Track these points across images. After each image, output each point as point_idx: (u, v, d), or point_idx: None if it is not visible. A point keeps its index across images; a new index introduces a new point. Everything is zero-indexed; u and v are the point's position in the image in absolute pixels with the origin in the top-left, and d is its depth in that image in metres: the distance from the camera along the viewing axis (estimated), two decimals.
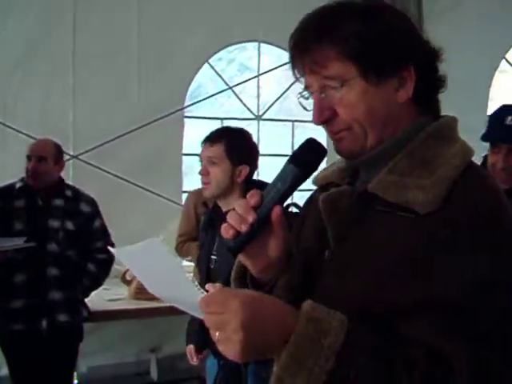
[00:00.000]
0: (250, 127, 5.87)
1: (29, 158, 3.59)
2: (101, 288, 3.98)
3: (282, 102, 5.92)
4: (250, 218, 1.15)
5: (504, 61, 5.47)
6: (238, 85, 5.73)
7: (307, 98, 1.24)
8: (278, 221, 1.18)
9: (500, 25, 5.21)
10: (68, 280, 3.57)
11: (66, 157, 4.77)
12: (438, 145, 1.19)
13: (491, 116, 2.66)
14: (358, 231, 1.19)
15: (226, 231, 1.17)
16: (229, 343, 0.99)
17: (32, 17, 4.89)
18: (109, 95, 5.11)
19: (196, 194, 4.02)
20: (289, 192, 1.19)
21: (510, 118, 2.52)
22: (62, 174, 3.83)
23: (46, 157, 3.62)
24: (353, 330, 1.02)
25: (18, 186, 3.63)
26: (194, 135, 5.62)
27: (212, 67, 5.66)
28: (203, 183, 2.80)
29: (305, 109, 1.25)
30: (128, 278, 4.38)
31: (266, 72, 5.77)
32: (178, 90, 5.45)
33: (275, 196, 1.18)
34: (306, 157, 1.19)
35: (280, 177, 1.19)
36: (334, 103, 1.19)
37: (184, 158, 5.54)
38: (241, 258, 1.24)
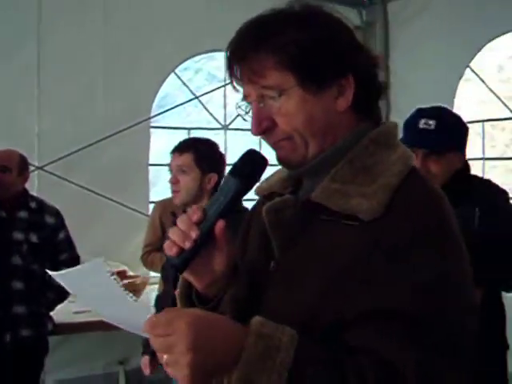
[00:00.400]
0: (217, 137, 5.88)
1: None
2: (66, 300, 3.94)
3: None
4: (193, 233, 1.13)
5: (468, 69, 5.55)
6: (204, 94, 5.73)
7: (246, 110, 1.23)
8: (222, 235, 1.17)
9: (465, 33, 5.29)
10: (32, 294, 3.53)
11: (31, 168, 4.72)
12: (379, 151, 1.19)
13: (406, 120, 2.59)
14: (303, 241, 1.18)
15: (169, 248, 1.14)
16: (177, 366, 0.96)
17: None
18: (74, 105, 5.07)
19: (162, 204, 4.01)
20: (231, 205, 1.17)
21: (422, 121, 2.46)
22: (27, 185, 3.79)
23: (11, 167, 3.58)
24: (303, 345, 1.01)
25: None
26: (160, 145, 5.62)
27: (178, 77, 5.65)
28: (173, 191, 2.88)
29: (244, 119, 1.24)
30: None
31: None
32: (144, 99, 5.42)
33: (218, 209, 1.16)
34: (246, 168, 1.18)
35: (222, 190, 1.18)
36: (272, 113, 1.18)
37: (151, 168, 5.52)
38: (185, 274, 1.21)
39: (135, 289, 4.30)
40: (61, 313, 3.80)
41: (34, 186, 4.80)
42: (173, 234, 1.14)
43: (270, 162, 1.21)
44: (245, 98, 1.23)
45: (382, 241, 1.08)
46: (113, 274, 1.13)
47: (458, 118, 2.63)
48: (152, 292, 4.23)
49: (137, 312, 1.05)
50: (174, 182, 2.87)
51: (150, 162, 5.51)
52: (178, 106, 5.52)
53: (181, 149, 2.88)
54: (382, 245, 1.08)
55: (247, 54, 1.17)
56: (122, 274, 4.40)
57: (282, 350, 0.99)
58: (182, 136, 5.60)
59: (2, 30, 4.84)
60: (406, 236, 1.08)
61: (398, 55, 6.10)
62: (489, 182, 2.72)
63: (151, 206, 4.97)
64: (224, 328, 1.02)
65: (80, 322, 3.84)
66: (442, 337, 1.05)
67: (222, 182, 1.20)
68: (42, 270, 3.57)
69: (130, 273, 4.52)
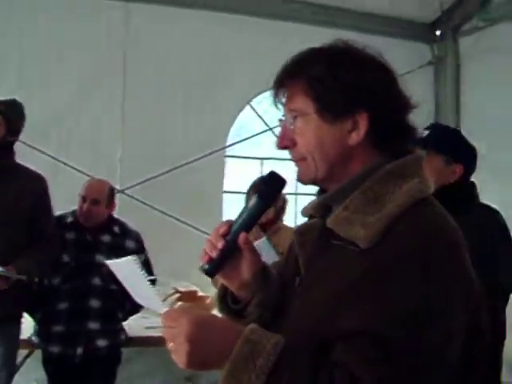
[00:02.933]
0: (289, 168, 6.02)
1: (83, 198, 3.73)
2: (140, 316, 4.09)
3: None
4: (220, 244, 1.35)
5: None
6: (278, 126, 5.83)
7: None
8: (245, 246, 1.37)
9: None
10: (109, 310, 3.72)
11: None
12: (393, 182, 1.27)
13: None
14: (320, 262, 1.32)
15: (202, 256, 1.37)
16: (177, 353, 1.15)
17: (85, 58, 5.16)
18: (155, 133, 5.33)
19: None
20: (253, 219, 1.38)
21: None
22: None
23: (100, 200, 3.76)
24: (286, 352, 1.13)
25: (69, 220, 3.78)
26: (234, 174, 5.81)
27: (253, 109, 5.83)
28: None
29: None
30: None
31: None
32: (220, 129, 5.64)
33: (241, 224, 1.37)
34: (265, 189, 1.38)
35: (245, 207, 1.38)
36: (294, 133, 1.34)
37: (225, 195, 5.71)
38: (220, 279, 1.43)
39: (204, 308, 4.43)
40: (134, 327, 3.99)
41: (116, 208, 5.08)
42: (205, 245, 1.37)
43: None
44: (283, 116, 1.40)
45: (373, 267, 1.17)
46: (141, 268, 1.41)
47: (460, 136, 2.78)
48: None
49: (159, 305, 1.28)
50: None
51: (225, 190, 5.71)
52: (252, 136, 5.68)
53: None
54: (372, 271, 1.17)
55: (283, 82, 1.36)
56: (192, 294, 4.57)
57: (263, 356, 1.12)
58: (256, 165, 5.81)
59: (90, 60, 5.17)
60: (391, 262, 1.16)
61: (469, 89, 6.18)
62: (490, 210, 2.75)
63: None
64: (222, 329, 1.18)
65: (151, 336, 4.00)
66: (411, 361, 1.11)
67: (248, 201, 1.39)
68: (119, 290, 3.77)
69: (201, 293, 4.69)
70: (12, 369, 3.57)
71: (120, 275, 1.43)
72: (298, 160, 1.35)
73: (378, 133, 1.31)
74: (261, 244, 3.65)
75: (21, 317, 3.59)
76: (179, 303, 4.45)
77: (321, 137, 1.30)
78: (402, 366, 1.11)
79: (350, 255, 1.23)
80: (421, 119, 5.36)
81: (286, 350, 1.14)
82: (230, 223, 1.38)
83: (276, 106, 1.40)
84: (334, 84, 1.29)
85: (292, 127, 1.34)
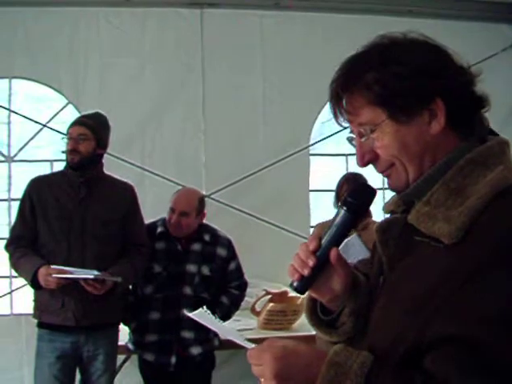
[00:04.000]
0: None
1: (172, 210, 3.78)
2: (232, 319, 4.12)
3: None
4: (311, 262, 1.30)
5: None
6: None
7: (351, 140, 1.34)
8: (337, 261, 1.32)
9: None
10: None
11: None
12: (476, 172, 1.20)
13: None
14: (404, 260, 1.26)
15: (291, 274, 1.32)
16: None
17: (164, 66, 5.27)
18: (237, 137, 5.36)
19: (322, 225, 4.13)
20: (343, 234, 1.32)
21: None
22: None
23: (188, 212, 3.78)
24: (374, 372, 1.10)
25: (159, 230, 3.83)
26: (320, 172, 5.76)
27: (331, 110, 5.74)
28: None
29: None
30: (257, 309, 4.54)
31: None
32: (303, 128, 5.59)
33: (331, 239, 1.31)
34: (355, 203, 1.30)
35: (334, 220, 1.32)
36: (373, 146, 1.27)
37: (311, 194, 5.66)
38: (309, 291, 1.38)
39: (295, 309, 4.42)
40: None
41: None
42: (294, 261, 1.32)
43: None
44: (351, 132, 1.33)
45: (460, 265, 1.11)
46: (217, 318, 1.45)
47: None
48: None
49: (238, 337, 1.30)
50: None
51: (311, 188, 5.66)
52: (335, 133, 5.63)
53: None
54: (460, 269, 1.10)
55: (341, 96, 1.28)
56: (283, 295, 4.56)
57: (350, 377, 1.09)
58: (341, 162, 5.74)
59: (169, 69, 5.27)
60: (480, 261, 1.08)
61: None
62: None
63: (311, 231, 5.12)
64: (306, 358, 1.16)
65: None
66: (508, 367, 1.03)
67: (335, 213, 1.33)
68: (210, 297, 3.82)
69: (291, 294, 4.66)
70: (112, 373, 3.72)
71: (204, 322, 1.45)
72: (386, 169, 1.29)
73: (455, 113, 1.24)
74: (351, 241, 3.60)
75: (119, 324, 3.73)
76: (271, 304, 4.45)
77: (402, 140, 1.24)
78: (502, 376, 1.03)
79: (433, 252, 1.17)
80: (506, 105, 5.23)
81: (373, 369, 1.10)
82: (318, 238, 1.33)
83: (338, 123, 1.33)
84: (396, 82, 1.22)
85: (367, 140, 1.27)
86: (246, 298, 4.26)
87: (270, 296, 4.58)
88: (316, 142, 5.71)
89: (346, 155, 5.78)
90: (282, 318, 4.44)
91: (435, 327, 1.09)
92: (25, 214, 3.51)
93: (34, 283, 3.34)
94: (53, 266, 3.30)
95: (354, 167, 5.72)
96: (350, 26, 5.31)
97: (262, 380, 1.17)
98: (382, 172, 1.30)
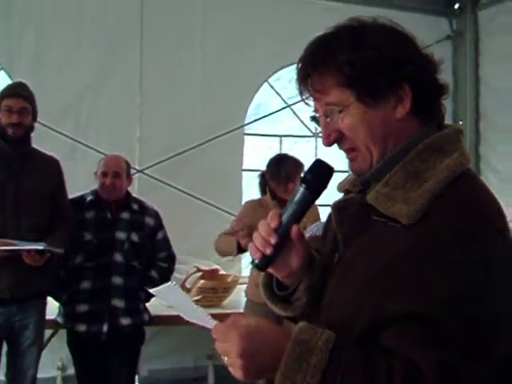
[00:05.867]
0: (308, 144, 6.01)
1: (104, 174, 3.79)
2: None
3: None
4: (272, 240, 1.29)
5: None
6: (296, 103, 5.85)
7: (315, 121, 1.34)
8: (298, 238, 1.32)
9: None
10: (131, 288, 3.74)
11: (133, 171, 5.03)
12: (432, 157, 1.24)
13: None
14: (360, 238, 1.29)
15: (253, 252, 1.32)
16: (233, 367, 1.14)
17: (103, 41, 5.20)
18: (173, 113, 5.35)
19: (252, 203, 4.18)
20: (303, 211, 1.32)
21: None
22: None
23: (120, 173, 3.82)
24: (338, 348, 1.11)
25: (88, 198, 3.84)
26: (253, 152, 5.81)
27: (271, 86, 5.81)
28: None
29: (316, 129, 1.36)
30: (188, 285, 4.57)
31: None
32: (239, 108, 5.63)
33: (292, 216, 1.31)
34: (314, 180, 1.31)
35: (293, 197, 1.32)
36: (339, 126, 1.28)
37: (244, 173, 5.72)
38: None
39: (226, 286, 4.48)
40: (155, 306, 4.00)
41: (135, 188, 5.07)
42: (255, 239, 1.32)
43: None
44: (315, 111, 1.33)
45: (417, 245, 1.14)
46: (181, 288, 1.36)
47: None
48: (241, 291, 4.40)
49: (202, 315, 1.26)
50: None
51: (244, 168, 5.72)
52: (270, 114, 5.67)
53: None
54: (417, 249, 1.14)
55: (310, 74, 1.28)
56: (214, 273, 4.61)
57: (315, 354, 1.10)
58: (274, 143, 5.81)
59: (107, 42, 5.20)
60: (437, 244, 1.13)
61: (487, 64, 6.10)
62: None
63: None
64: (272, 336, 1.15)
65: (173, 315, 3.98)
66: (468, 343, 1.08)
67: (294, 190, 1.34)
68: (141, 267, 3.85)
69: (222, 272, 4.72)
70: (40, 345, 3.71)
71: (167, 300, 1.42)
72: (350, 151, 1.30)
73: (420, 100, 1.27)
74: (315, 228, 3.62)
75: (47, 295, 3.72)
76: (201, 281, 4.49)
77: (368, 123, 1.25)
78: (457, 348, 1.08)
79: (391, 232, 1.20)
80: None
81: (337, 345, 1.12)
82: (279, 215, 1.32)
83: (304, 101, 1.33)
84: (368, 65, 1.23)
85: (333, 120, 1.28)
86: (176, 275, 4.28)
87: (200, 273, 4.61)
88: (251, 122, 5.76)
89: (280, 136, 5.83)
90: (212, 295, 4.48)
91: (392, 305, 1.13)
92: None
93: None
94: None
95: (286, 148, 5.81)
96: (288, 7, 5.36)
97: (226, 358, 1.15)
98: (346, 152, 1.31)
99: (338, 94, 1.26)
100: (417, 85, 1.26)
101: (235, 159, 5.69)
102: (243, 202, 5.48)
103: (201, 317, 1.26)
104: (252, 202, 4.18)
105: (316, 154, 5.61)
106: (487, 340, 1.11)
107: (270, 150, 5.74)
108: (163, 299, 1.42)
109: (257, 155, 5.73)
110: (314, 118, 1.34)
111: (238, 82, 5.45)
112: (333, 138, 1.30)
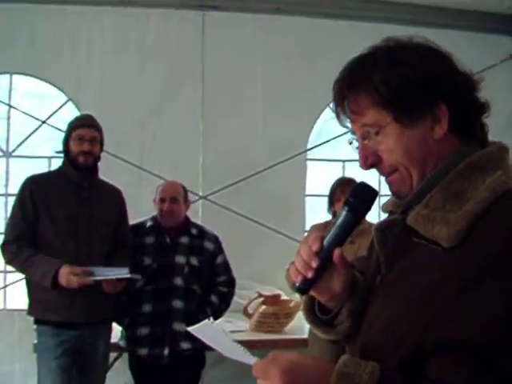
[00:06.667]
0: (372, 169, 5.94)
1: (162, 200, 3.90)
2: (224, 320, 4.15)
3: None
4: (314, 264, 1.27)
5: None
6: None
7: (352, 143, 1.32)
8: (341, 262, 1.29)
9: None
10: (192, 311, 3.77)
11: (196, 197, 5.10)
12: (474, 176, 1.20)
13: None
14: (402, 260, 1.25)
15: (294, 275, 1.30)
16: None
17: (165, 68, 5.29)
18: (236, 140, 5.38)
19: (317, 227, 4.15)
20: (346, 235, 1.30)
21: None
22: (193, 213, 4.09)
23: (178, 198, 3.92)
24: (383, 381, 1.08)
25: (148, 224, 3.94)
26: (316, 177, 5.79)
27: (333, 110, 5.75)
28: None
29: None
30: (250, 311, 4.56)
31: None
32: (301, 133, 5.63)
33: (334, 239, 1.29)
34: (358, 203, 1.29)
35: (337, 221, 1.30)
36: (376, 149, 1.26)
37: (307, 198, 5.69)
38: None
39: (288, 312, 4.44)
40: None
41: (199, 214, 5.18)
42: (297, 262, 1.30)
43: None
44: (353, 134, 1.31)
45: (458, 269, 1.10)
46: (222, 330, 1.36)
47: None
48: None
49: (241, 352, 1.24)
50: None
51: (307, 193, 5.70)
52: (333, 138, 5.64)
53: None
54: (458, 273, 1.10)
55: (346, 95, 1.27)
56: (276, 298, 4.58)
57: None
58: (337, 168, 5.77)
59: (169, 70, 5.29)
60: (479, 266, 1.08)
61: None
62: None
63: (306, 235, 5.14)
64: (315, 370, 1.13)
65: (235, 340, 4.03)
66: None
67: (338, 214, 1.32)
68: (201, 291, 3.89)
69: (284, 297, 4.69)
70: (106, 367, 3.83)
71: (204, 338, 1.42)
72: (389, 174, 1.28)
73: (457, 119, 1.24)
74: None
75: (113, 320, 3.82)
76: (263, 307, 4.47)
77: (406, 144, 1.23)
78: (505, 378, 1.03)
79: (432, 255, 1.17)
80: (506, 114, 5.24)
81: (383, 378, 1.09)
82: (321, 238, 1.30)
83: (341, 123, 1.33)
84: (403, 84, 1.21)
85: (371, 143, 1.27)
86: (238, 300, 4.29)
87: (262, 298, 4.60)
88: (313, 147, 5.74)
89: (343, 161, 5.80)
90: (274, 320, 4.45)
91: (436, 332, 1.09)
92: (27, 213, 3.52)
93: (52, 283, 3.36)
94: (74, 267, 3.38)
95: (350, 173, 5.76)
96: (349, 32, 5.35)
97: None
98: (385, 175, 1.29)
99: (374, 114, 1.25)
100: (454, 103, 1.23)
101: (298, 184, 5.67)
102: (306, 228, 5.49)
103: (240, 354, 1.25)
104: (319, 225, 4.16)
105: (380, 179, 5.53)
106: None
107: (333, 175, 5.70)
108: (201, 338, 1.41)
109: (320, 180, 5.71)
110: (351, 142, 1.33)
111: (300, 107, 5.45)
112: (370, 160, 1.28)
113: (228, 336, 1.33)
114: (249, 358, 1.21)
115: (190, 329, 1.40)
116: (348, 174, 5.59)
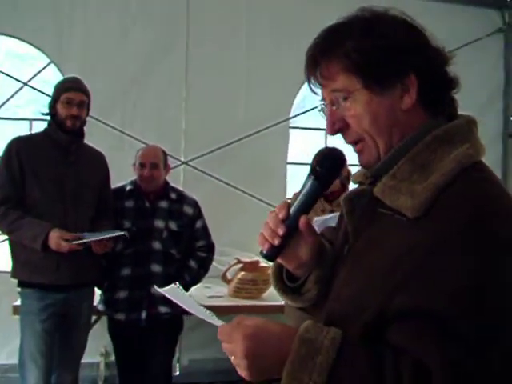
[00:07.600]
0: None
1: (142, 165, 3.89)
2: (202, 286, 4.18)
3: None
4: (281, 231, 1.30)
5: None
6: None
7: (323, 110, 1.33)
8: (307, 229, 1.32)
9: None
10: (170, 276, 3.78)
11: (178, 162, 5.10)
12: (440, 148, 1.21)
13: None
14: (368, 231, 1.27)
15: (261, 243, 1.33)
16: (239, 367, 1.15)
17: (149, 33, 5.26)
18: (218, 106, 5.37)
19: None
20: (312, 202, 1.33)
21: None
22: (174, 178, 4.08)
23: (158, 163, 3.91)
24: (344, 346, 1.10)
25: (128, 188, 3.94)
26: (298, 145, 5.80)
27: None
28: None
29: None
30: (228, 277, 4.61)
31: None
32: (284, 101, 5.62)
33: (300, 207, 1.32)
34: (322, 170, 1.31)
35: (303, 188, 1.32)
36: (344, 115, 1.26)
37: (288, 166, 5.72)
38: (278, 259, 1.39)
39: (266, 278, 4.48)
40: (196, 296, 4.03)
41: (180, 179, 5.20)
42: (264, 230, 1.33)
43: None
44: (322, 100, 1.32)
45: (423, 239, 1.12)
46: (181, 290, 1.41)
47: None
48: None
49: (208, 316, 1.28)
50: None
51: (289, 161, 5.72)
52: (316, 107, 5.63)
53: None
54: (422, 243, 1.11)
55: (318, 62, 1.28)
56: (255, 265, 4.61)
57: (322, 353, 1.09)
58: (319, 137, 5.78)
59: (155, 35, 5.27)
60: (444, 236, 1.10)
61: None
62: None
63: None
64: (277, 335, 1.15)
65: (214, 306, 4.02)
66: (480, 339, 1.05)
67: (304, 182, 1.33)
68: (179, 256, 3.92)
69: (263, 264, 4.72)
70: (88, 330, 3.88)
71: (177, 300, 1.45)
72: (355, 142, 1.28)
73: (426, 91, 1.25)
74: (333, 218, 3.63)
75: (96, 282, 3.86)
76: (242, 273, 4.51)
77: (374, 111, 1.24)
78: (465, 345, 1.05)
79: (398, 225, 1.18)
80: (491, 88, 5.28)
81: (344, 344, 1.11)
82: (287, 206, 1.32)
83: (312, 89, 1.33)
84: (375, 52, 1.22)
85: (339, 108, 1.27)
86: (217, 266, 4.31)
87: (241, 265, 4.64)
88: (296, 115, 5.74)
89: (325, 130, 5.77)
90: (252, 286, 4.50)
91: (400, 299, 1.11)
92: (13, 174, 3.49)
93: (42, 246, 3.37)
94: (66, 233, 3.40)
95: (332, 142, 5.78)
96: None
97: (233, 358, 1.16)
98: (350, 143, 1.29)
99: (344, 80, 1.25)
100: (424, 75, 1.24)
101: (280, 152, 5.68)
102: (287, 195, 5.52)
103: (208, 317, 1.27)
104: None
105: None
106: (496, 335, 1.07)
107: (316, 143, 5.71)
108: (173, 299, 1.44)
109: (302, 149, 5.72)
110: (321, 109, 1.33)
111: (283, 75, 5.40)
112: (337, 126, 1.29)
113: (193, 300, 1.36)
114: (215, 321, 1.24)
115: (160, 290, 1.43)
116: (330, 143, 5.61)
